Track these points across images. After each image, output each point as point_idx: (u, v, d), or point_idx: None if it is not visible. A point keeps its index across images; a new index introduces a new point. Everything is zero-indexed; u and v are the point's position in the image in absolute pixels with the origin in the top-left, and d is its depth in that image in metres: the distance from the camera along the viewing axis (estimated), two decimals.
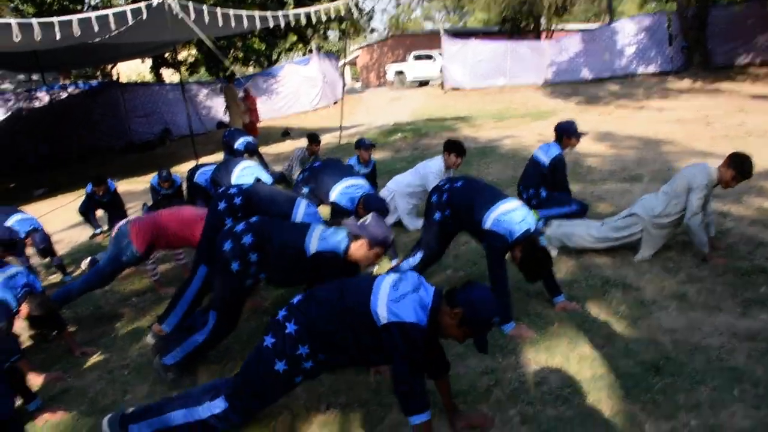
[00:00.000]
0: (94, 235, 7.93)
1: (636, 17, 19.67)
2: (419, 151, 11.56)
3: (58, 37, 8.64)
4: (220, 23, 10.47)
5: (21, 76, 21.69)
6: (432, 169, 6.19)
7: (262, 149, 10.42)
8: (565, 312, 4.03)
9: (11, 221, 5.79)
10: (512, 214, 3.84)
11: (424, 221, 4.56)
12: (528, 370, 3.39)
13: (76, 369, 4.18)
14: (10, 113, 17.13)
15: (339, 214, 4.94)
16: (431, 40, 30.54)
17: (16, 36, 8.30)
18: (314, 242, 3.36)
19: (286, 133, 16.19)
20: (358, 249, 3.32)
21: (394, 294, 2.55)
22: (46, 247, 5.74)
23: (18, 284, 4.05)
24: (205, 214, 4.56)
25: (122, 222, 4.91)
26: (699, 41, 18.58)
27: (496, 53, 22.14)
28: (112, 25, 9.20)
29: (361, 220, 3.37)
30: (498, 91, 21.48)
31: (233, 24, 10.76)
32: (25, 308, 3.98)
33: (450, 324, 2.55)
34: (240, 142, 9.43)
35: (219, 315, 3.59)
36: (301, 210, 4.14)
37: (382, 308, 2.52)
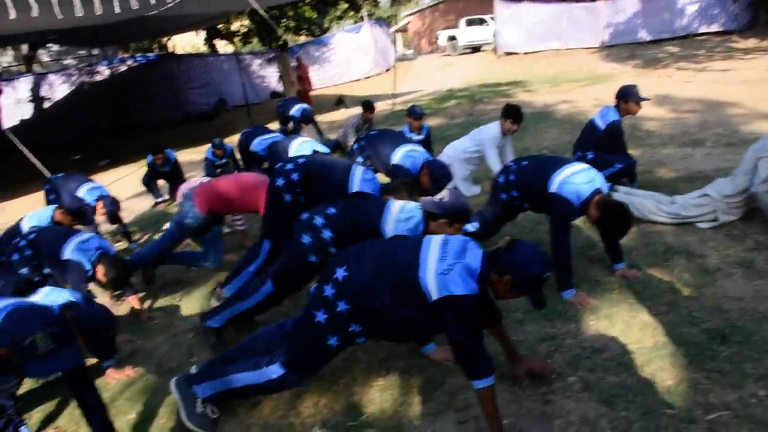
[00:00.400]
0: (156, 204, 8.19)
1: None
2: (474, 117, 11.43)
3: (117, 10, 8.83)
4: None
5: (82, 52, 22.30)
6: (488, 135, 6.13)
7: (316, 117, 10.47)
8: (626, 279, 3.97)
9: (82, 191, 6.02)
10: (578, 176, 3.79)
11: (489, 198, 4.54)
12: (588, 336, 3.36)
13: (143, 332, 4.37)
14: (74, 88, 17.68)
15: (400, 176, 4.91)
16: (483, 4, 29.85)
17: (79, 11, 8.52)
18: (390, 225, 3.33)
19: (339, 102, 16.22)
20: (439, 227, 3.27)
21: (442, 266, 2.53)
22: (114, 212, 5.93)
23: (91, 247, 4.22)
24: (264, 181, 4.65)
25: (185, 186, 5.05)
26: None
27: (551, 15, 21.54)
28: None
29: (439, 197, 3.33)
30: (553, 55, 20.98)
31: None
32: (100, 270, 4.15)
33: (502, 290, 2.56)
34: (296, 109, 9.52)
35: (276, 286, 3.67)
36: (357, 176, 4.13)
37: (431, 282, 2.51)
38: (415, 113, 7.11)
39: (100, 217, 6.12)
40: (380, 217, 3.37)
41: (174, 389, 3.11)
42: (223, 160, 8.18)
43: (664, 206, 4.89)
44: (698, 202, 4.79)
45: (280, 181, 4.15)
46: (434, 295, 2.49)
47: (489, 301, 2.86)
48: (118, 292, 4.83)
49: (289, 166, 4.21)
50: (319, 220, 3.48)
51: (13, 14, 7.98)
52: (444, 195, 3.34)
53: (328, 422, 2.97)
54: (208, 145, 8.13)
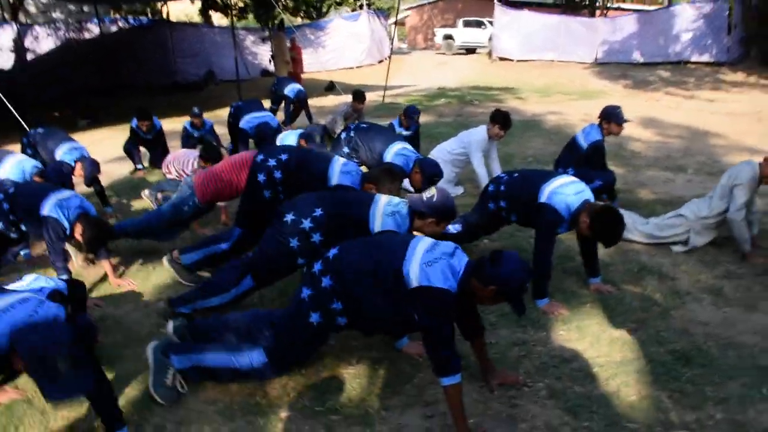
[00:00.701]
0: (135, 170, 8.07)
1: (696, 2, 18.99)
2: (463, 118, 11.48)
3: None
4: None
5: (71, 7, 21.82)
6: (475, 138, 6.18)
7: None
8: (600, 294, 4.04)
9: (61, 150, 5.93)
10: (567, 188, 3.88)
11: (477, 205, 4.58)
12: (558, 346, 3.42)
13: (112, 300, 4.30)
14: (60, 43, 17.32)
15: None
16: (482, 7, 29.93)
17: None
18: (378, 220, 3.34)
19: (330, 87, 16.15)
20: (426, 226, 3.34)
21: (428, 257, 2.59)
22: (93, 175, 5.85)
23: (72, 205, 4.17)
24: (248, 160, 4.62)
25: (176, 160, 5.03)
26: (759, 33, 17.94)
27: (549, 26, 21.67)
28: None
29: (427, 195, 3.34)
30: (546, 65, 21.12)
31: None
32: (78, 229, 4.10)
33: (483, 296, 2.60)
34: (290, 89, 9.49)
35: (256, 283, 3.70)
36: (336, 169, 4.12)
37: (414, 269, 2.56)
38: (409, 113, 7.16)
39: (77, 179, 6.02)
40: (368, 212, 3.39)
41: (150, 354, 3.10)
42: (201, 132, 8.12)
43: (639, 226, 4.98)
44: (672, 222, 4.88)
45: (261, 177, 4.12)
46: (414, 282, 2.54)
47: (474, 312, 2.90)
48: (91, 256, 4.78)
49: (272, 162, 4.14)
50: (306, 224, 3.44)
51: None
52: (432, 192, 3.36)
53: (294, 405, 2.98)
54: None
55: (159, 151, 8.00)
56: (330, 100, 14.26)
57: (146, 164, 8.17)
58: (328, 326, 2.87)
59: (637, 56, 20.43)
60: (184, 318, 3.60)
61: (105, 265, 4.58)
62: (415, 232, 3.34)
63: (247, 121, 7.08)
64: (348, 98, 9.27)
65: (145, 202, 6.38)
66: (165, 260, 4.49)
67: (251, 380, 3.10)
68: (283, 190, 4.08)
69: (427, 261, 2.56)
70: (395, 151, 5.13)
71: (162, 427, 2.86)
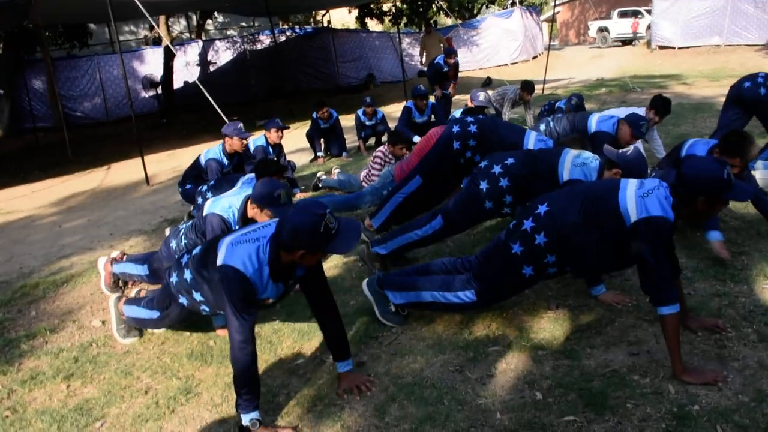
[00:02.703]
0: (315, 158, 8.73)
1: None
2: (626, 105, 11.13)
3: None
4: None
5: (243, 23, 23.82)
6: None
7: (465, 97, 10.68)
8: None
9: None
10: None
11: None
12: (764, 297, 3.35)
13: None
14: (236, 54, 18.98)
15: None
16: None
17: None
18: (567, 168, 3.54)
19: (487, 83, 16.29)
20: (612, 177, 3.43)
21: (641, 191, 2.68)
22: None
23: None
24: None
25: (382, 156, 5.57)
26: None
27: (714, 10, 20.30)
28: None
29: (623, 150, 3.48)
30: (711, 51, 19.83)
31: None
32: None
33: (705, 210, 2.64)
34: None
35: (445, 224, 3.95)
36: (532, 139, 4.32)
37: (631, 204, 2.64)
38: (417, 92, 8.10)
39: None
40: (558, 161, 3.57)
41: (366, 290, 3.51)
42: (373, 121, 8.66)
43: None
44: None
45: (456, 128, 4.40)
46: (633, 216, 2.63)
47: (673, 253, 2.96)
48: None
49: (469, 118, 4.46)
50: (497, 169, 3.72)
51: None
52: (628, 150, 3.47)
53: (501, 341, 3.19)
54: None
55: (336, 139, 8.66)
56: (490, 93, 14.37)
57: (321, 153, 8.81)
58: (540, 276, 3.05)
59: None
60: (382, 266, 3.99)
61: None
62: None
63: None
64: None
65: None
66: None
67: (456, 312, 3.38)
68: (475, 145, 4.32)
69: (642, 194, 2.65)
70: (597, 120, 5.20)
71: (378, 357, 3.19)
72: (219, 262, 2.62)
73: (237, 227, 3.50)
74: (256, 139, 6.74)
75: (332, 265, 4.60)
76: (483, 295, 3.15)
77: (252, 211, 3.50)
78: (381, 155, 6.42)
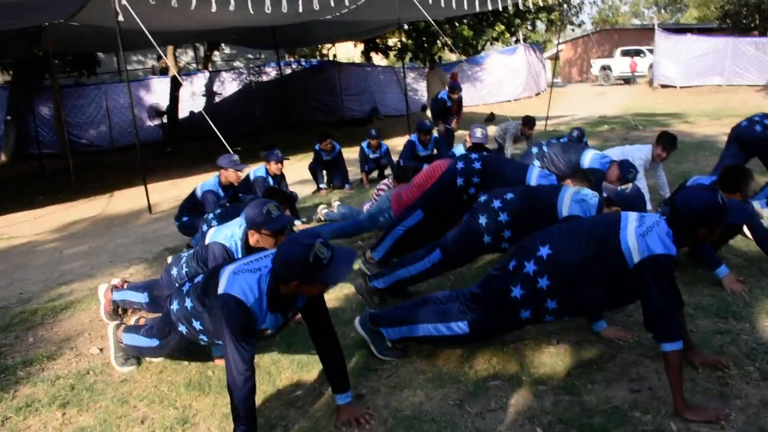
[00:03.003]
0: (317, 190, 8.76)
1: None
2: (629, 142, 11.21)
3: (300, 10, 9.60)
4: (443, 4, 10.96)
5: (249, 55, 24.19)
6: (637, 155, 6.04)
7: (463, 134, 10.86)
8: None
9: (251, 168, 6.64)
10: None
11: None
12: (766, 335, 3.33)
13: None
14: (241, 86, 19.22)
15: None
16: (639, 35, 29.21)
17: (268, 9, 9.35)
18: (566, 205, 3.57)
19: (490, 118, 16.45)
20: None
21: (641, 229, 2.67)
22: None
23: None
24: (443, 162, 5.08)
25: (386, 189, 5.60)
26: None
27: (716, 50, 20.66)
28: (347, 1, 10.04)
29: (621, 187, 3.54)
30: (713, 90, 20.07)
31: (454, 6, 11.21)
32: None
33: (706, 237, 2.69)
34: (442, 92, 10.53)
35: (444, 258, 3.95)
36: (534, 174, 4.36)
37: (633, 243, 2.64)
38: (422, 127, 8.19)
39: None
40: (557, 197, 3.61)
41: (359, 328, 3.49)
42: (377, 154, 8.70)
43: None
44: None
45: (460, 164, 4.45)
46: (635, 256, 2.63)
47: (675, 287, 2.95)
48: None
49: (474, 155, 4.52)
50: (497, 204, 3.75)
51: (214, 8, 8.89)
52: (627, 187, 3.50)
53: (502, 375, 3.17)
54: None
55: (338, 171, 8.69)
56: (491, 131, 14.49)
57: (323, 185, 8.85)
58: (536, 321, 3.04)
59: None
60: (381, 300, 4.00)
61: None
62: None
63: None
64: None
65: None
66: (359, 262, 4.88)
67: (449, 346, 3.37)
68: (479, 182, 4.35)
69: (642, 232, 2.65)
70: (590, 157, 5.32)
71: (377, 390, 3.16)
72: (220, 290, 2.62)
73: (240, 256, 3.50)
74: (256, 170, 6.76)
75: (333, 296, 4.58)
76: (475, 329, 3.12)
77: (252, 238, 3.50)
78: (385, 188, 6.45)
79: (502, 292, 3.00)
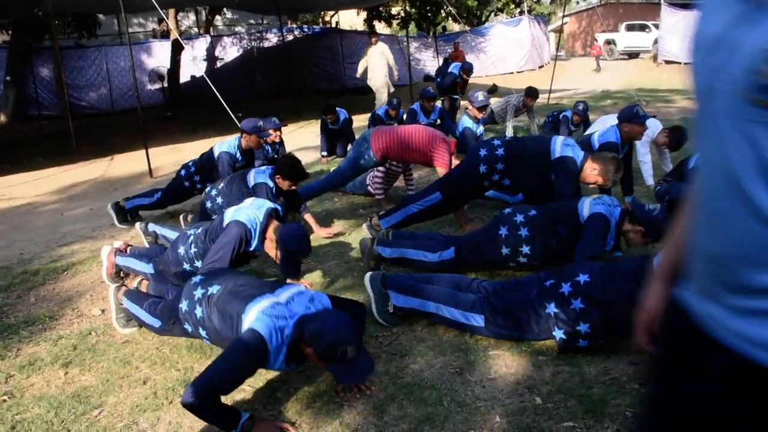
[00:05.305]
0: (321, 157, 8.76)
1: None
2: None
3: None
4: None
5: (252, 21, 23.88)
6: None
7: (467, 104, 10.79)
8: None
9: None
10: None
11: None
12: None
13: (315, 256, 4.72)
14: (242, 51, 19.03)
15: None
16: (645, 10, 28.84)
17: None
18: (558, 148, 3.89)
19: (493, 90, 16.28)
20: (633, 232, 3.56)
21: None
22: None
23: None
24: (443, 138, 5.09)
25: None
26: None
27: None
28: None
29: (651, 206, 3.62)
30: None
31: None
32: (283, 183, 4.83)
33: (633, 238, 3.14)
34: (453, 66, 10.40)
35: (456, 258, 4.01)
36: (558, 144, 4.36)
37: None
38: (425, 94, 8.15)
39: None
40: (576, 205, 3.75)
41: (368, 284, 3.51)
42: (393, 124, 8.63)
43: None
44: None
45: (483, 151, 4.50)
46: None
47: None
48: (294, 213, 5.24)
49: (496, 141, 4.56)
50: (519, 218, 3.82)
51: None
52: (657, 206, 3.55)
53: (502, 345, 3.19)
54: (366, 115, 8.65)
55: (344, 140, 8.68)
56: (493, 102, 14.40)
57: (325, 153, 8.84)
58: (569, 345, 3.03)
59: None
60: (377, 266, 4.13)
61: (309, 219, 5.12)
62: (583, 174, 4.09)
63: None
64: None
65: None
66: (365, 226, 4.91)
67: (457, 329, 3.35)
68: (504, 168, 4.44)
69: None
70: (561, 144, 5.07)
71: (378, 357, 3.18)
72: (245, 325, 2.60)
73: (256, 241, 3.56)
74: (221, 144, 5.77)
75: (333, 263, 4.60)
76: (491, 327, 3.16)
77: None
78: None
79: (535, 306, 3.07)
